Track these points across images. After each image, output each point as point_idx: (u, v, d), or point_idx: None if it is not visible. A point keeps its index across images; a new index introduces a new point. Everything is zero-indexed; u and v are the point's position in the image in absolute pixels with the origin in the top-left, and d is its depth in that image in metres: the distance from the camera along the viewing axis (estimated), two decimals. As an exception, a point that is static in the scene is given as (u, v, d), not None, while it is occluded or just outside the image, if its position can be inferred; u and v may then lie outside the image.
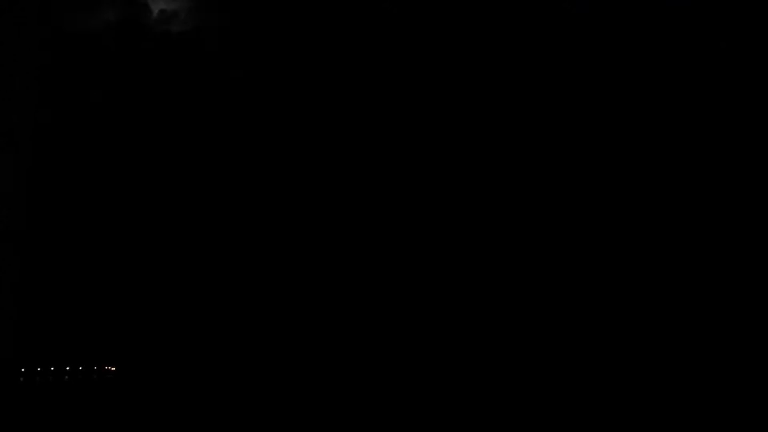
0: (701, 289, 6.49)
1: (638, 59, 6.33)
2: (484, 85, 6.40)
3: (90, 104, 7.60)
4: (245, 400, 7.40)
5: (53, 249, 8.19)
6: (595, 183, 6.78)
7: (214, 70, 7.10)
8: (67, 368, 8.44)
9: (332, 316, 7.48)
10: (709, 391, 6.57)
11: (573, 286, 6.77)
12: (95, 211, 8.18)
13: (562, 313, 7.03)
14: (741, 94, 6.04)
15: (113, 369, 8.58)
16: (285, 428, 6.30)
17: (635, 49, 6.36)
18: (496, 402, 6.93)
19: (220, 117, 7.50)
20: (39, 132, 7.40)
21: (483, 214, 6.48)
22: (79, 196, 8.17)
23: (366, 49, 5.94)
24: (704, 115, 6.23)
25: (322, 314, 7.54)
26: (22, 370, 8.18)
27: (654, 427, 6.11)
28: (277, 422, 6.45)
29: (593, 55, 6.25)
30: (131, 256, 8.45)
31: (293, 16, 6.87)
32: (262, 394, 7.77)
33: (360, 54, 6.08)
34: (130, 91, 7.88)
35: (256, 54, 6.99)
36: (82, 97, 7.47)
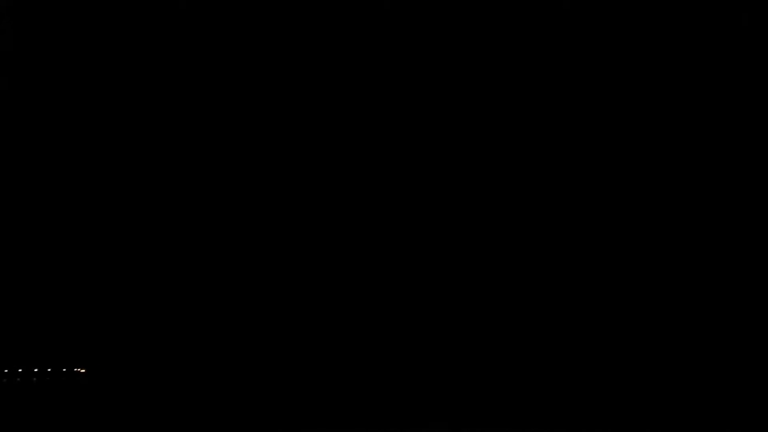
0: (701, 289, 6.50)
1: (638, 59, 6.35)
2: (483, 84, 6.36)
3: (73, 96, 7.36)
4: (225, 403, 7.14)
5: (26, 249, 7.89)
6: (594, 182, 6.76)
7: (214, 69, 6.97)
8: (36, 370, 8.09)
9: (314, 316, 7.34)
10: (709, 391, 6.50)
11: (573, 286, 6.74)
12: (81, 208, 7.91)
13: (562, 313, 6.97)
14: (741, 94, 6.10)
15: (83, 371, 8.25)
16: (273, 428, 6.07)
17: (635, 49, 6.38)
18: (497, 401, 6.77)
19: (219, 119, 7.37)
20: (12, 126, 7.13)
21: (483, 214, 6.43)
22: (60, 193, 7.87)
23: (366, 49, 5.87)
24: (705, 114, 6.27)
25: (307, 311, 7.38)
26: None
27: (654, 427, 6.00)
28: (265, 423, 6.22)
29: (593, 54, 6.27)
30: (105, 256, 8.19)
31: (292, 15, 6.76)
32: (244, 396, 7.51)
33: (359, 53, 6.02)
34: (122, 85, 7.64)
35: (253, 52, 6.82)
36: (65, 89, 7.23)
